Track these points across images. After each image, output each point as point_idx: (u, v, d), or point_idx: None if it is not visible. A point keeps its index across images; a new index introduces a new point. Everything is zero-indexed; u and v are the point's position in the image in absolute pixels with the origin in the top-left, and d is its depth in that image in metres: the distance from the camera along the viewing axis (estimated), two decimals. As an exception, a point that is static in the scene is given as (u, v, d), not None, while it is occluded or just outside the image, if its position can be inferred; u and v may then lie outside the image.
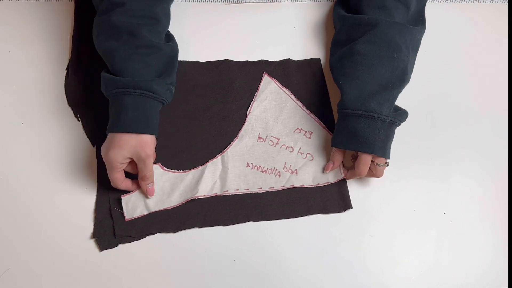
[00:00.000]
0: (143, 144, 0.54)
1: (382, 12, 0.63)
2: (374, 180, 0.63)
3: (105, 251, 0.56)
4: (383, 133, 0.58)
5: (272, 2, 0.73)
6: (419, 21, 0.66)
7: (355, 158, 0.61)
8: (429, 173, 0.64)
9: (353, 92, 0.59)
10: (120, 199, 0.57)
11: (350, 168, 0.62)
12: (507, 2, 0.77)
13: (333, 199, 0.61)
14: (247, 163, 0.62)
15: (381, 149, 0.57)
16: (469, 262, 0.60)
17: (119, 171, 0.55)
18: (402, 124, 0.60)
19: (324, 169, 0.62)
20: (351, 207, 0.61)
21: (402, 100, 0.61)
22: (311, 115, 0.65)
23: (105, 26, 0.56)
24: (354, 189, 0.62)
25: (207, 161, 0.61)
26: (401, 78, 0.60)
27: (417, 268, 0.59)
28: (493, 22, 0.75)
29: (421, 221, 0.61)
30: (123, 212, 0.57)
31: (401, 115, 0.59)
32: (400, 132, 0.64)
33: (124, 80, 0.54)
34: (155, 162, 0.59)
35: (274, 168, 0.62)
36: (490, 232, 0.62)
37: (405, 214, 0.62)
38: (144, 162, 0.55)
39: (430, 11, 0.69)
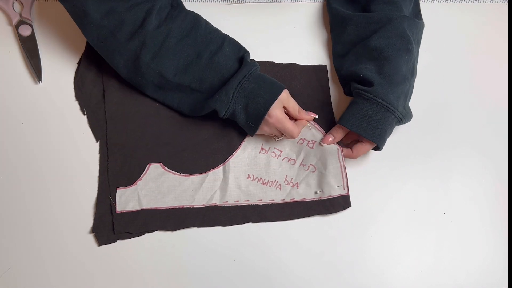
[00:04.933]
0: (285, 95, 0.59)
1: (390, 7, 0.62)
2: (374, 179, 0.63)
3: (103, 246, 0.57)
4: (390, 128, 0.59)
5: (273, 2, 0.73)
6: (418, 14, 0.67)
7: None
8: (429, 173, 0.64)
9: (380, 80, 0.58)
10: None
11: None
12: (507, 2, 0.77)
13: (333, 199, 0.60)
14: (248, 174, 0.61)
15: (384, 142, 0.59)
16: (469, 262, 0.60)
17: (289, 121, 0.58)
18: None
19: (321, 141, 0.61)
20: (350, 206, 0.61)
21: (402, 100, 0.61)
22: (316, 125, 0.64)
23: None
24: (354, 189, 0.62)
25: (209, 169, 0.61)
26: (412, 71, 0.61)
27: (417, 268, 0.59)
28: (493, 22, 0.75)
29: (421, 221, 0.61)
30: (115, 204, 0.57)
31: (408, 117, 0.60)
32: (400, 131, 0.64)
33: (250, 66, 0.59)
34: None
35: (275, 180, 0.61)
36: (490, 232, 0.62)
37: (405, 214, 0.62)
38: (290, 102, 0.60)
39: (430, 11, 0.70)
